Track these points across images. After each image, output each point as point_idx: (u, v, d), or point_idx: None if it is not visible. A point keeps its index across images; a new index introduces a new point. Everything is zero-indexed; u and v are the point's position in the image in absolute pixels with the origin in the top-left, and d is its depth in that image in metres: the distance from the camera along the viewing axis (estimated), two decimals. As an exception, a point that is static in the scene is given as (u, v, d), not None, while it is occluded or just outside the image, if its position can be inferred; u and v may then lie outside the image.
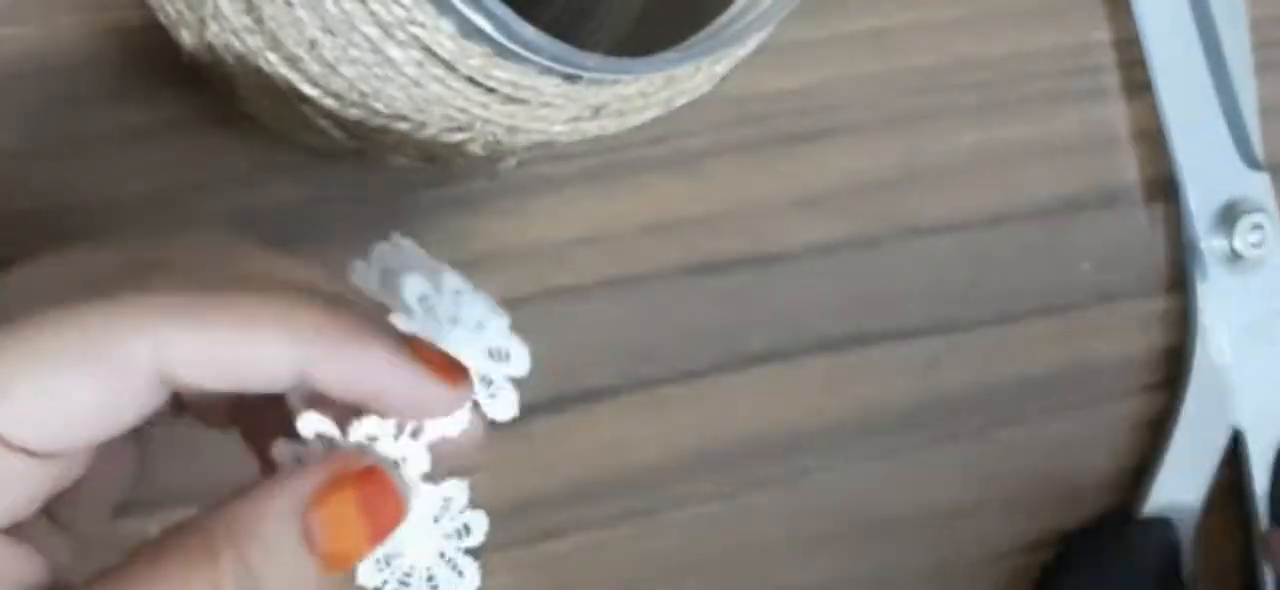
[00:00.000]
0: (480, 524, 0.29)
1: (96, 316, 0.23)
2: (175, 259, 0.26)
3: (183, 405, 0.27)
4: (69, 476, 0.25)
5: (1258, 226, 0.48)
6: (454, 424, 0.27)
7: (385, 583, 0.27)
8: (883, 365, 0.47)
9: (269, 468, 0.26)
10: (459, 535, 0.29)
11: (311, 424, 0.25)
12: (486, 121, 0.32)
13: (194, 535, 0.24)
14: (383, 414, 0.26)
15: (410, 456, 0.26)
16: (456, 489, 0.28)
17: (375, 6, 0.29)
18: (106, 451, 0.25)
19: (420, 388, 0.25)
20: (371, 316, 0.26)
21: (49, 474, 0.24)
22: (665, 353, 0.44)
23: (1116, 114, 0.50)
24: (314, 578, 0.24)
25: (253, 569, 0.24)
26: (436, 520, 0.29)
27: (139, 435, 0.27)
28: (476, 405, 0.27)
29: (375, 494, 0.25)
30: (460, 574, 0.30)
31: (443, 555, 0.30)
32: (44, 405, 0.23)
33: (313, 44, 0.30)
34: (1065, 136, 0.49)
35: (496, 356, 0.28)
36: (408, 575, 0.29)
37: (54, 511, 0.26)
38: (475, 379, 0.27)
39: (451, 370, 0.26)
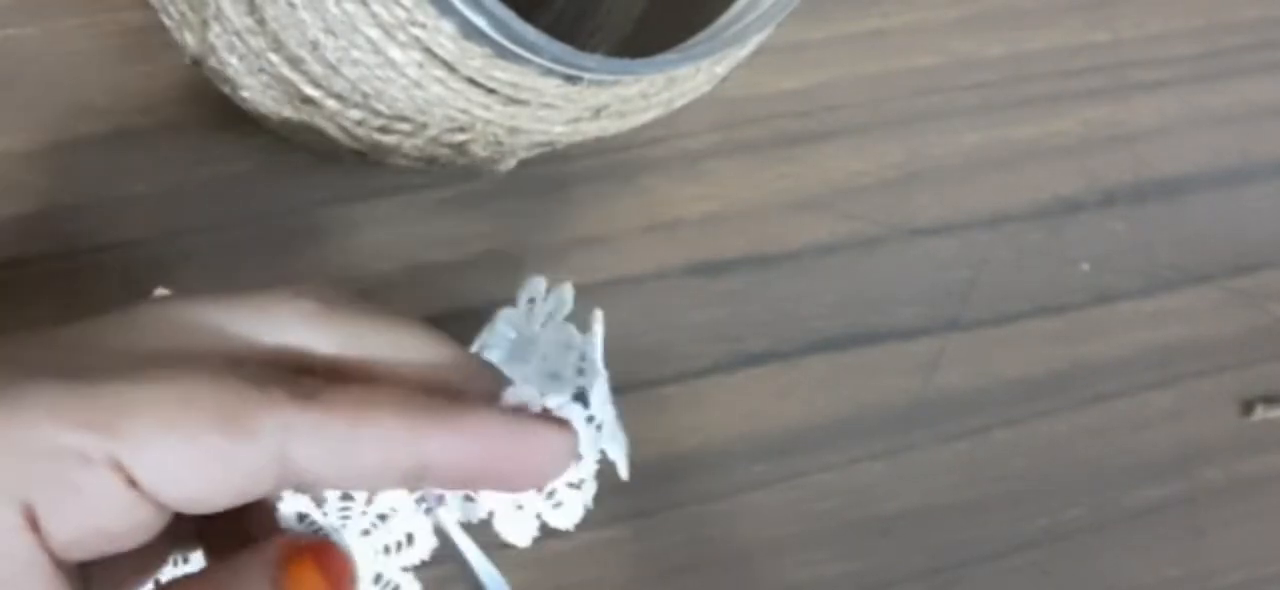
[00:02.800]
0: (425, 540, 0.32)
1: (229, 387, 0.24)
2: (289, 346, 0.27)
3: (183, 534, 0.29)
4: (142, 537, 0.25)
5: None
6: None
7: None
8: (882, 365, 0.47)
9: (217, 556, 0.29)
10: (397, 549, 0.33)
11: (292, 506, 0.28)
12: (488, 122, 0.32)
13: None
14: (497, 488, 0.28)
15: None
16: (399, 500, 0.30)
17: (377, 8, 0.29)
18: (168, 530, 0.26)
19: (529, 450, 0.27)
20: (479, 398, 0.27)
21: (148, 527, 0.25)
22: (665, 353, 0.44)
23: (1116, 114, 0.50)
24: None
25: None
26: (367, 534, 0.31)
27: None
28: None
29: (329, 559, 0.27)
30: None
31: (379, 577, 0.33)
32: (180, 463, 0.24)
33: (315, 45, 0.30)
34: (1065, 136, 0.49)
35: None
36: None
37: (89, 570, 0.27)
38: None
39: (555, 425, 0.27)
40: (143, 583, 0.29)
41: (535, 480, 0.27)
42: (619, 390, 0.44)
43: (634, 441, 0.44)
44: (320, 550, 0.27)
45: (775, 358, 0.45)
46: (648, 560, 0.44)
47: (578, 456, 0.28)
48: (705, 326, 0.45)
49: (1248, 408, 0.51)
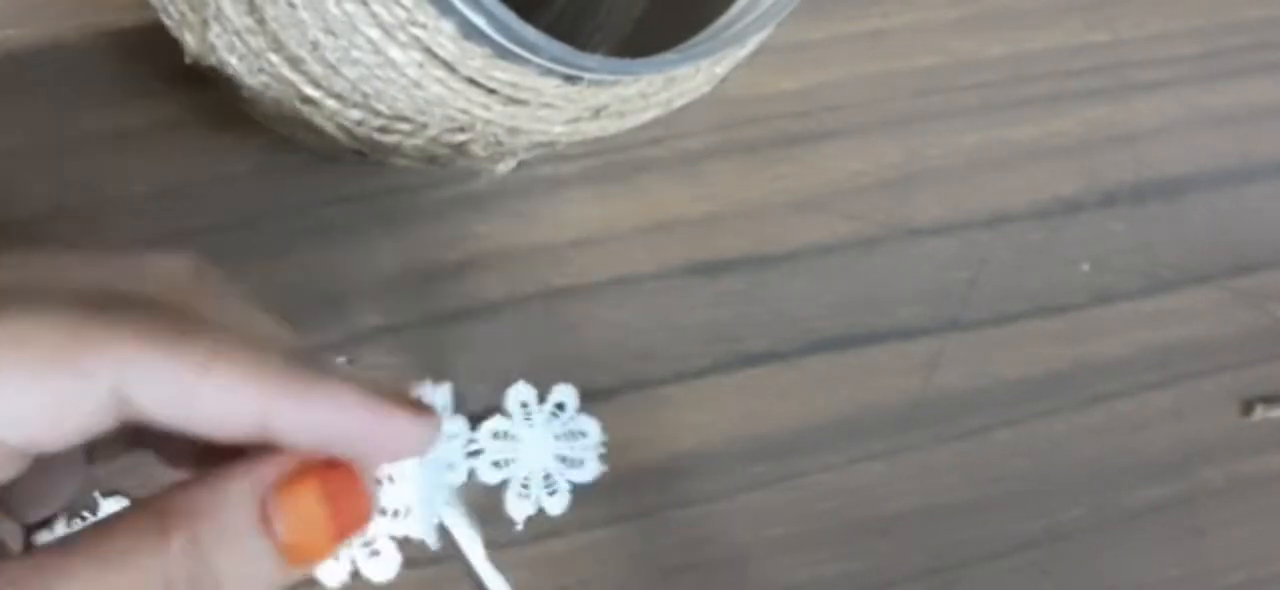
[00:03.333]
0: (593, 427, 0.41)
1: (64, 325, 0.23)
2: (146, 293, 0.25)
3: (142, 437, 0.27)
4: (4, 474, 0.24)
5: None
6: None
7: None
8: (882, 365, 0.47)
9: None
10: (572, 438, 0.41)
11: None
12: (487, 122, 0.32)
13: (147, 512, 0.23)
14: (349, 458, 0.25)
15: None
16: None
17: (377, 8, 0.29)
18: (52, 458, 0.25)
19: (384, 427, 0.25)
20: (333, 368, 0.25)
21: (3, 465, 0.24)
22: (665, 353, 0.44)
23: (1116, 114, 0.50)
24: (270, 569, 0.24)
25: (203, 549, 0.23)
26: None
27: (90, 452, 0.27)
28: None
29: (341, 488, 0.24)
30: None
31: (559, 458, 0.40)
32: (16, 404, 0.23)
33: (315, 45, 0.30)
34: (1065, 136, 0.49)
35: None
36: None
37: None
38: None
39: (415, 407, 0.25)
40: (61, 502, 0.28)
41: (387, 455, 0.25)
42: (619, 390, 0.44)
43: (634, 441, 0.44)
44: (333, 475, 0.24)
45: (775, 358, 0.45)
46: (648, 560, 0.44)
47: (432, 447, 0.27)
48: (705, 326, 0.45)
49: (1248, 408, 0.51)
